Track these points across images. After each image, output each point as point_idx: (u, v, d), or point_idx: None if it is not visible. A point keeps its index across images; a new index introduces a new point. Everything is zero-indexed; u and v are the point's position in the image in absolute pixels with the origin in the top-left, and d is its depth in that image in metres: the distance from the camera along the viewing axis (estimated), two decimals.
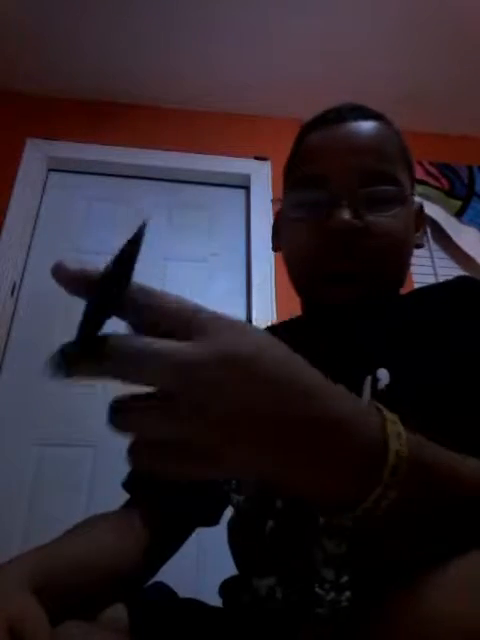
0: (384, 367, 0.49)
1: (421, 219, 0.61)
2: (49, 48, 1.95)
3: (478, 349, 0.47)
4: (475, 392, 0.45)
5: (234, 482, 0.56)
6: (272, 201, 0.61)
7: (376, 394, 0.49)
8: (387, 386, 0.48)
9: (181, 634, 0.46)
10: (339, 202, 0.51)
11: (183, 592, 0.55)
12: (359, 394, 0.50)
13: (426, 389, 0.45)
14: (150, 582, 0.56)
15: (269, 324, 0.72)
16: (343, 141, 0.54)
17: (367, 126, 0.56)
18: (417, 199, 0.61)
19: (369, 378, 0.50)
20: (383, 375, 0.49)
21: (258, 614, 0.48)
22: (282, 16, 1.82)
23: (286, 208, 0.59)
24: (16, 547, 1.40)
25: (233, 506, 0.57)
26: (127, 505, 0.61)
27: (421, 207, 0.62)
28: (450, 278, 0.57)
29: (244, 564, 0.56)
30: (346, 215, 0.50)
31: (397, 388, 0.48)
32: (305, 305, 0.62)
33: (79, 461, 1.60)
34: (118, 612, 0.45)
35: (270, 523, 0.49)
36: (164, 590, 0.54)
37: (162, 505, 0.58)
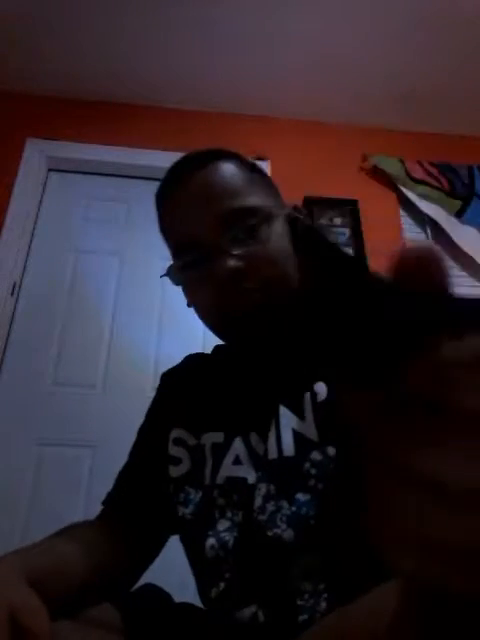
0: (322, 381, 0.49)
1: (294, 218, 0.61)
2: (49, 48, 1.95)
3: None
4: None
5: (182, 495, 0.55)
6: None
7: (316, 408, 0.48)
8: (325, 400, 0.49)
9: (175, 636, 0.46)
10: (214, 255, 0.53)
11: (179, 599, 0.55)
12: (301, 410, 0.49)
13: None
14: (141, 585, 0.56)
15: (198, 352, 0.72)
16: (193, 199, 0.57)
17: (208, 173, 0.58)
18: (287, 209, 0.60)
19: (308, 394, 0.50)
20: (321, 389, 0.49)
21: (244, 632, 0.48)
22: (282, 16, 1.82)
23: (175, 274, 0.61)
24: (16, 546, 1.40)
25: (179, 520, 0.56)
26: (102, 515, 0.64)
27: (293, 208, 0.62)
28: None
29: (206, 585, 0.52)
30: (224, 264, 0.52)
31: (335, 401, 0.48)
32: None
33: (79, 461, 1.60)
34: (107, 611, 0.45)
35: (210, 541, 0.49)
36: (158, 593, 0.54)
37: (130, 516, 0.61)
